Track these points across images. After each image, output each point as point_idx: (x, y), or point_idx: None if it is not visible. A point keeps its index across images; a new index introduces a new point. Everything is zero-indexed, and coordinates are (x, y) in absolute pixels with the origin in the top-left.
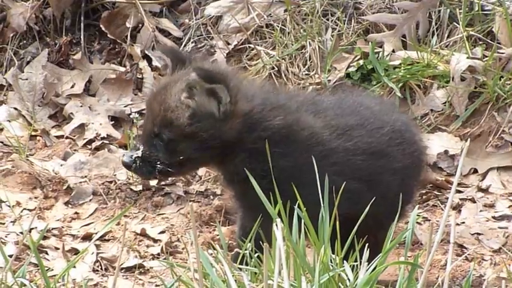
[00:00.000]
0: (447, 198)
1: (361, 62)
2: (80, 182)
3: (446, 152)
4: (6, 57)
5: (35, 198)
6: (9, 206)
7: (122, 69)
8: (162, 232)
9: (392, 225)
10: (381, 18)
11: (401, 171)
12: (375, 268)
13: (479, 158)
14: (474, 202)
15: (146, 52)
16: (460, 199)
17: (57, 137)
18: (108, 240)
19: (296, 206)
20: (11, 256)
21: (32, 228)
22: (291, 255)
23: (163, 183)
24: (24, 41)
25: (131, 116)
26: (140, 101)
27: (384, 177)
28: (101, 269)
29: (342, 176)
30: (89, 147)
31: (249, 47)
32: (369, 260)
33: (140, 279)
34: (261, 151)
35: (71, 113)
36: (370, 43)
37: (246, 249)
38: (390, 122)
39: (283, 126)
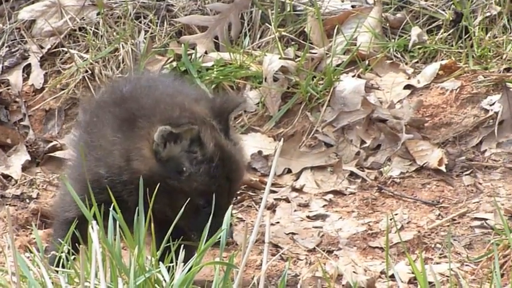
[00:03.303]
0: (262, 198)
1: (174, 63)
2: None
3: (260, 152)
4: None
5: None
6: None
7: None
8: None
9: (207, 226)
10: (193, 20)
11: None
12: (190, 268)
13: (293, 158)
14: (289, 202)
15: None
16: (275, 199)
17: None
18: None
19: (111, 208)
20: None
21: None
22: (107, 257)
23: None
24: None
25: None
26: None
27: None
28: None
29: None
30: None
31: (62, 50)
32: (185, 261)
33: None
34: None
35: None
36: (182, 45)
37: (62, 252)
38: None
39: None
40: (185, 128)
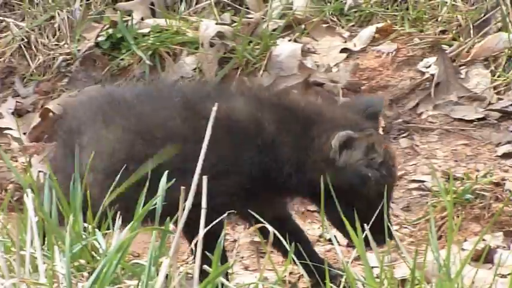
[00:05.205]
0: None
1: (110, 31)
2: None
3: None
4: None
5: None
6: None
7: None
8: None
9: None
10: None
11: None
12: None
13: None
14: None
15: None
16: None
17: None
18: None
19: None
20: None
21: None
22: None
23: None
24: None
25: None
26: None
27: None
28: None
29: None
30: None
31: None
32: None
33: None
34: None
35: None
36: (118, 12)
37: None
38: None
39: None
40: (367, 133)
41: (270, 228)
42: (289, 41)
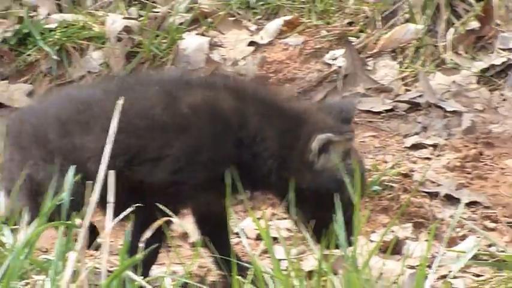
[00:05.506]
0: None
1: (17, 26)
2: None
3: None
4: None
5: None
6: None
7: None
8: None
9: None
10: None
11: None
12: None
13: None
14: None
15: None
16: None
17: None
18: None
19: None
20: None
21: None
22: None
23: None
24: None
25: None
26: None
27: None
28: None
29: None
30: None
31: None
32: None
33: None
34: None
35: None
36: (24, 7)
37: None
38: None
39: None
40: (347, 137)
41: (176, 220)
42: (196, 34)
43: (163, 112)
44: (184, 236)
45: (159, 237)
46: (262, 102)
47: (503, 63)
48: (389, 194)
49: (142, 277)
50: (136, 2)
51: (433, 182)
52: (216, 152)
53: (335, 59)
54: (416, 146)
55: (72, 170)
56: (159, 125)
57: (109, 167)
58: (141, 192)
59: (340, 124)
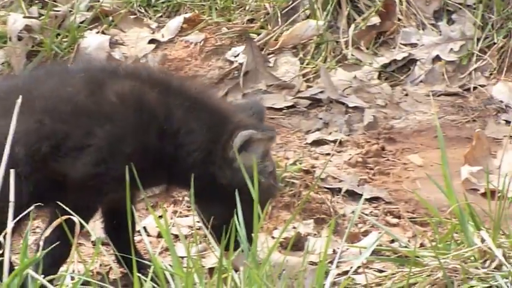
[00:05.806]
0: None
1: None
2: None
3: None
4: None
5: None
6: None
7: None
8: None
9: None
10: None
11: None
12: None
13: None
14: None
15: None
16: None
17: None
18: None
19: None
20: None
21: None
22: None
23: None
24: None
25: None
26: None
27: None
28: None
29: None
30: None
31: None
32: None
33: None
34: None
35: None
36: None
37: None
38: None
39: None
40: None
41: (77, 219)
42: (97, 33)
43: (87, 99)
44: (86, 234)
45: (65, 235)
46: (187, 95)
47: (404, 58)
48: (291, 191)
49: (43, 276)
50: (38, 1)
51: (335, 178)
52: (141, 143)
53: (236, 56)
54: (317, 142)
55: None
56: (83, 111)
57: (35, 152)
58: (63, 188)
59: (261, 123)
